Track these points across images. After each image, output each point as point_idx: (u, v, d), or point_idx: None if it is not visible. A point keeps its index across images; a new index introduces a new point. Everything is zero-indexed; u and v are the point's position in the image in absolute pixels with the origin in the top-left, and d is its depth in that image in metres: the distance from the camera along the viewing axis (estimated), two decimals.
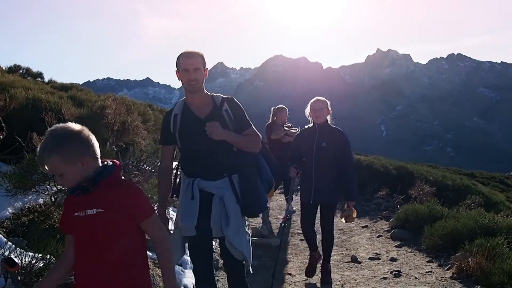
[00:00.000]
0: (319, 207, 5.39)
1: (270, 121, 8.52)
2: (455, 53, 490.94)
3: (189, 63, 3.25)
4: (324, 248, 5.50)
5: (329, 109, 5.28)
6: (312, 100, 5.33)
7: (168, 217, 3.59)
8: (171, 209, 6.38)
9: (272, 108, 8.66)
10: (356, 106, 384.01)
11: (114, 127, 7.26)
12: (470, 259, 5.20)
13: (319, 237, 5.54)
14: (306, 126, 5.44)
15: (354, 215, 5.26)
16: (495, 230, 6.05)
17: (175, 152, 3.59)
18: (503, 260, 4.81)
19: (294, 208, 9.26)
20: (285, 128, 8.29)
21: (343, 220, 5.33)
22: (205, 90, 3.42)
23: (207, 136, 3.20)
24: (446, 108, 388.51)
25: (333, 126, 5.34)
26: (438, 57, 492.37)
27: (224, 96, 3.48)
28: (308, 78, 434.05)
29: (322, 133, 5.18)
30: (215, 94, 3.49)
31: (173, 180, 3.61)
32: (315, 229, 5.56)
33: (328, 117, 5.31)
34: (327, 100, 5.31)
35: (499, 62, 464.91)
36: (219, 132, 3.21)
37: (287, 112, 8.61)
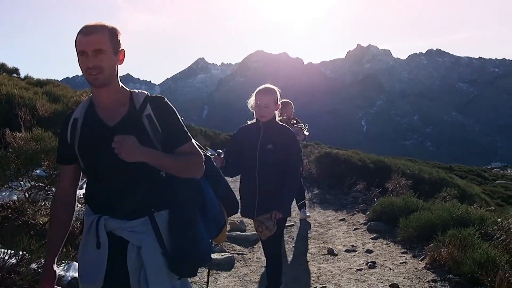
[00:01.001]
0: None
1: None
2: (434, 49, 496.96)
3: (87, 42, 2.13)
4: (269, 276, 4.49)
5: (278, 103, 4.22)
6: (257, 90, 4.20)
7: (57, 273, 2.41)
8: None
9: None
10: (337, 101, 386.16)
11: None
12: (442, 250, 5.29)
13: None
14: (248, 122, 4.40)
15: (270, 231, 4.09)
16: (467, 221, 6.15)
17: (79, 175, 2.47)
18: (474, 249, 4.91)
19: (308, 214, 8.53)
20: (292, 124, 7.39)
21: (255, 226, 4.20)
22: (120, 84, 2.31)
23: (117, 155, 2.06)
24: (426, 103, 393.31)
25: (280, 123, 4.32)
26: (418, 53, 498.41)
27: (150, 95, 2.36)
28: (289, 73, 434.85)
29: (268, 133, 4.16)
30: (136, 91, 2.38)
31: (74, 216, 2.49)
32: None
33: (276, 113, 4.28)
34: (277, 90, 4.21)
35: (477, 57, 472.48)
36: (133, 150, 2.07)
37: (293, 107, 7.76)
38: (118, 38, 2.22)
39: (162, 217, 2.28)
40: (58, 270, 3.69)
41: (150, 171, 2.23)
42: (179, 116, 2.37)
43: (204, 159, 2.40)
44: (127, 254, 2.23)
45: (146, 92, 2.37)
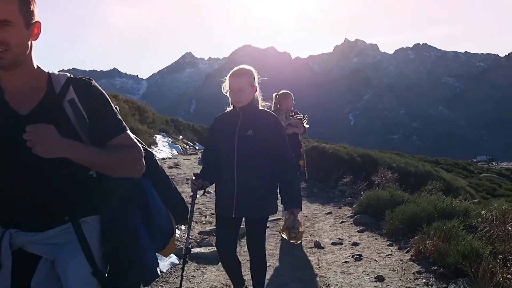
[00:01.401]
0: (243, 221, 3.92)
1: (273, 108, 7.26)
2: (421, 43, 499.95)
3: None
4: (254, 276, 4.00)
5: (256, 85, 3.71)
6: (230, 72, 3.70)
7: None
8: None
9: (275, 94, 7.42)
10: (324, 95, 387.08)
11: None
12: (427, 242, 5.35)
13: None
14: (228, 109, 3.90)
15: (302, 228, 3.84)
16: (452, 214, 6.22)
17: None
18: (458, 241, 4.97)
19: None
20: (289, 117, 7.25)
21: (284, 236, 3.79)
22: (35, 64, 1.83)
23: (31, 150, 1.59)
24: (412, 97, 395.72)
25: (262, 108, 3.83)
26: (405, 47, 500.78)
27: (73, 76, 1.89)
28: (276, 68, 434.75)
29: (247, 118, 3.65)
30: (56, 73, 1.90)
31: None
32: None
33: (258, 95, 3.80)
34: (253, 71, 3.71)
35: (463, 52, 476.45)
36: (52, 143, 1.61)
37: (293, 98, 7.43)
38: (31, 7, 1.73)
39: (91, 226, 1.84)
40: None
41: (75, 170, 1.78)
42: (111, 102, 1.92)
43: (143, 154, 1.96)
44: (36, 273, 1.74)
45: (68, 74, 1.89)
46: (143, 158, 1.95)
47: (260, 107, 3.80)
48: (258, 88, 3.74)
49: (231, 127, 3.66)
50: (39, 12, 1.81)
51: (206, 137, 3.97)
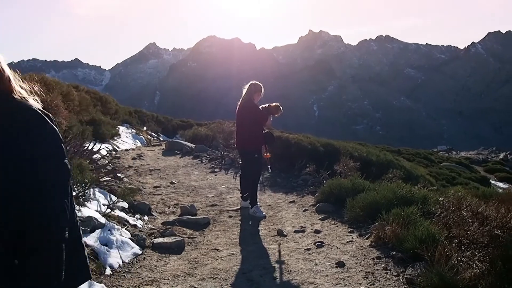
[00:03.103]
0: None
1: (247, 99, 7.49)
2: (384, 35, 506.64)
3: None
4: None
5: None
6: None
7: None
8: None
9: (251, 83, 7.56)
10: (289, 86, 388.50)
11: None
12: (387, 228, 5.48)
13: None
14: None
15: None
16: (411, 200, 6.38)
17: None
18: (416, 227, 5.11)
19: (263, 213, 7.64)
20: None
21: None
22: None
23: None
24: (375, 88, 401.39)
25: (21, 98, 1.97)
26: (368, 39, 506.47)
27: None
28: (241, 59, 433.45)
29: None
30: None
31: None
32: None
33: (11, 77, 1.98)
34: None
35: (424, 44, 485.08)
36: None
37: (260, 90, 7.59)
38: None
39: None
40: None
41: None
42: None
43: None
44: None
45: None
46: None
47: (18, 97, 1.98)
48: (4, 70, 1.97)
49: None
50: None
51: None
